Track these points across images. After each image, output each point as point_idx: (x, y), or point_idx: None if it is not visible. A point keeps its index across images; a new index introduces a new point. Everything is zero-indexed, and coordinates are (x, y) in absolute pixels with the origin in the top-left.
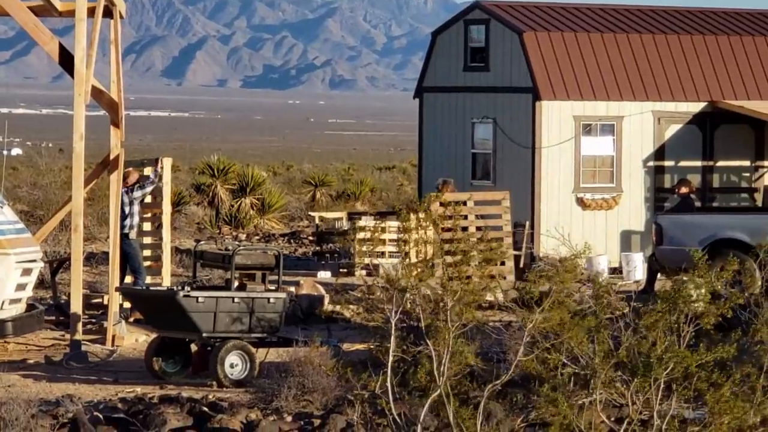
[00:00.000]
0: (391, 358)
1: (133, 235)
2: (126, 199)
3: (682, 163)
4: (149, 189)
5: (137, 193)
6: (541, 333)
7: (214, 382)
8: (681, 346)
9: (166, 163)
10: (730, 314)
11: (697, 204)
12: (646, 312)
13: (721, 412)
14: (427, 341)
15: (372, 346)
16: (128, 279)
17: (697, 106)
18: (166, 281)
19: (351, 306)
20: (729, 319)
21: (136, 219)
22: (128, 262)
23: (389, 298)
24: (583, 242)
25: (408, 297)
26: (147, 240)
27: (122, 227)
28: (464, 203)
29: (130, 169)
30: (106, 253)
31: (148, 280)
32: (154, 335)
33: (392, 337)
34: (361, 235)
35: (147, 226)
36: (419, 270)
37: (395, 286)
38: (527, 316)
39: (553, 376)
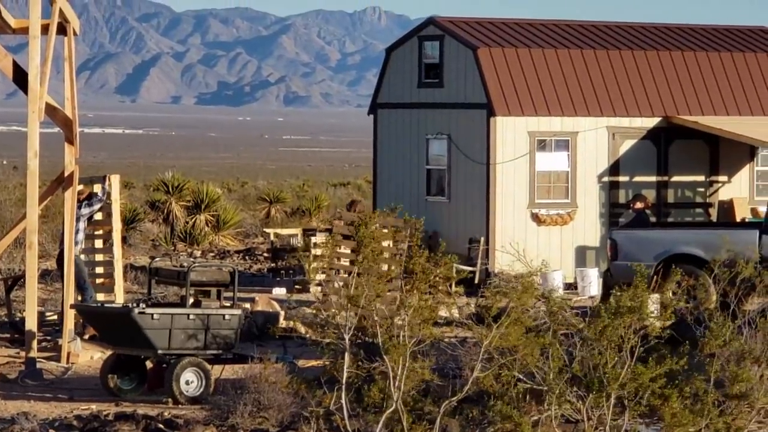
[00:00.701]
0: (345, 375)
1: (77, 251)
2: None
3: (637, 179)
4: (97, 207)
5: (84, 210)
6: (497, 349)
7: (170, 399)
8: (631, 361)
9: (114, 180)
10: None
11: (652, 219)
12: (592, 323)
13: (674, 425)
14: (384, 358)
15: (326, 363)
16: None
17: (651, 122)
18: (119, 298)
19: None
20: (682, 334)
21: (81, 236)
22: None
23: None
24: (539, 258)
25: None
26: (99, 257)
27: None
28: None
29: (81, 186)
30: (61, 270)
31: (101, 297)
32: (109, 352)
33: (346, 354)
34: (315, 251)
35: (99, 243)
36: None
37: (348, 303)
38: (484, 333)
39: (507, 392)
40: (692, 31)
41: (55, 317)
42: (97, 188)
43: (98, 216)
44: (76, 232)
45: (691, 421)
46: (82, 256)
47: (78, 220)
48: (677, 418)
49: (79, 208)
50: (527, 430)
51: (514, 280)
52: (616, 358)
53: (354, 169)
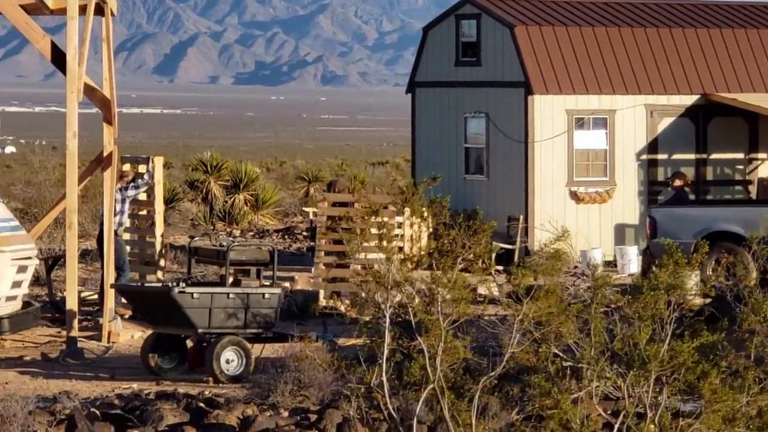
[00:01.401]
0: (385, 353)
1: (120, 232)
2: (119, 197)
3: (676, 156)
4: (143, 188)
5: (131, 192)
6: (535, 325)
7: (210, 378)
8: (668, 338)
9: (158, 162)
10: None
11: (691, 197)
12: (632, 300)
13: (714, 401)
14: (418, 337)
15: (366, 341)
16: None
17: (689, 99)
18: (160, 278)
19: (346, 301)
20: (722, 312)
21: (125, 217)
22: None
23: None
24: (578, 236)
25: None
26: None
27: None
28: (352, 204)
29: (128, 167)
30: (101, 250)
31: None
32: (149, 332)
33: (386, 332)
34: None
35: (141, 224)
36: (410, 265)
37: (386, 282)
38: (517, 308)
39: (546, 368)
40: (730, 8)
41: (96, 297)
42: (142, 170)
43: (141, 196)
44: (120, 213)
45: (731, 397)
46: (126, 236)
47: (123, 201)
48: (717, 394)
49: (126, 189)
50: (566, 407)
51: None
52: (651, 333)
53: (392, 148)
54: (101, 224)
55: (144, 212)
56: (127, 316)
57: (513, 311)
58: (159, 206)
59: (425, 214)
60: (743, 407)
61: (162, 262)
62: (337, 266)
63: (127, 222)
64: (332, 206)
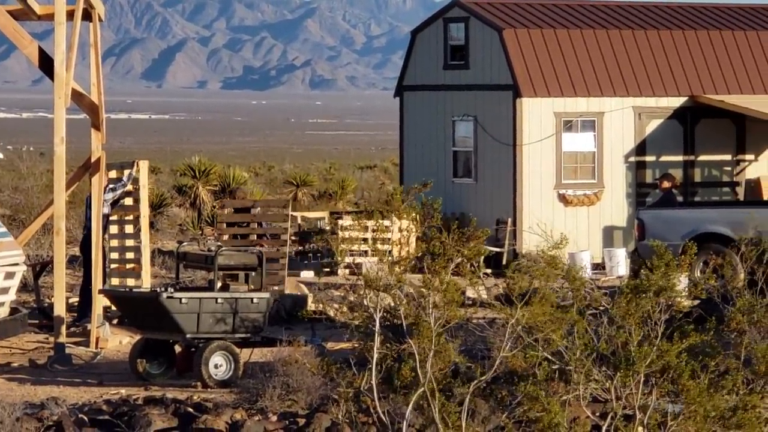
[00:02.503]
0: (375, 356)
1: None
2: None
3: (664, 158)
4: (120, 192)
5: (107, 196)
6: (525, 329)
7: (199, 383)
8: (658, 339)
9: (143, 166)
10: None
11: (679, 198)
12: (618, 301)
13: (696, 402)
14: (410, 340)
15: (356, 345)
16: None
17: (677, 101)
18: (147, 283)
19: (334, 305)
20: (710, 313)
21: (106, 221)
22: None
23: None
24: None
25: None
26: (128, 243)
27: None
28: (249, 209)
29: (114, 172)
30: (85, 256)
31: (130, 282)
32: (138, 337)
33: (376, 336)
34: (343, 234)
35: (128, 229)
36: (401, 268)
37: (376, 285)
38: (510, 312)
39: (535, 373)
40: (717, 9)
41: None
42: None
43: (127, 201)
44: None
45: (715, 397)
46: (114, 242)
47: (102, 205)
48: (699, 395)
49: (103, 193)
50: (556, 411)
51: (541, 259)
52: (641, 336)
53: (380, 151)
54: (85, 229)
55: (130, 217)
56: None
57: (506, 315)
58: (144, 210)
59: (416, 218)
60: (726, 408)
61: (147, 268)
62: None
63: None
64: (234, 212)
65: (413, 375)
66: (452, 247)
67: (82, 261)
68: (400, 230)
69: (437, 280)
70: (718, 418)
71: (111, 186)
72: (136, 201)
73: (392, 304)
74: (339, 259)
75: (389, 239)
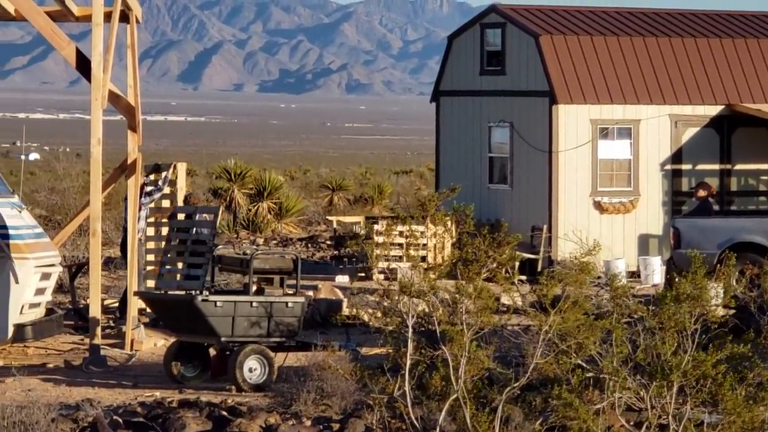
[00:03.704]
0: (408, 362)
1: (138, 238)
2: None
3: (700, 167)
4: (157, 195)
5: (145, 200)
6: (558, 335)
7: (233, 387)
8: (691, 349)
9: (180, 168)
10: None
11: (716, 207)
12: (654, 310)
13: (738, 414)
14: (443, 346)
15: (389, 350)
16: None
17: (714, 110)
18: None
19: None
20: (746, 323)
21: (143, 224)
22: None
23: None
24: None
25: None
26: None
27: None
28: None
29: (152, 175)
30: (124, 257)
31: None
32: (172, 339)
33: (409, 342)
34: (378, 239)
35: (164, 231)
36: (434, 275)
37: (409, 291)
38: (543, 318)
39: (569, 380)
40: (755, 17)
41: (117, 304)
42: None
43: (165, 203)
44: (140, 220)
45: (754, 409)
46: (150, 244)
47: (140, 208)
48: (740, 406)
49: (141, 196)
50: (588, 419)
51: (575, 265)
52: (676, 345)
53: (416, 156)
54: (124, 231)
55: (166, 219)
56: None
57: (539, 322)
58: None
59: (448, 224)
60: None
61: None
62: None
63: (144, 229)
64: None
65: (443, 383)
66: (484, 252)
67: (121, 262)
68: (435, 236)
69: (470, 287)
70: (755, 430)
71: (148, 190)
72: (173, 203)
73: (426, 310)
74: (372, 263)
75: (424, 245)
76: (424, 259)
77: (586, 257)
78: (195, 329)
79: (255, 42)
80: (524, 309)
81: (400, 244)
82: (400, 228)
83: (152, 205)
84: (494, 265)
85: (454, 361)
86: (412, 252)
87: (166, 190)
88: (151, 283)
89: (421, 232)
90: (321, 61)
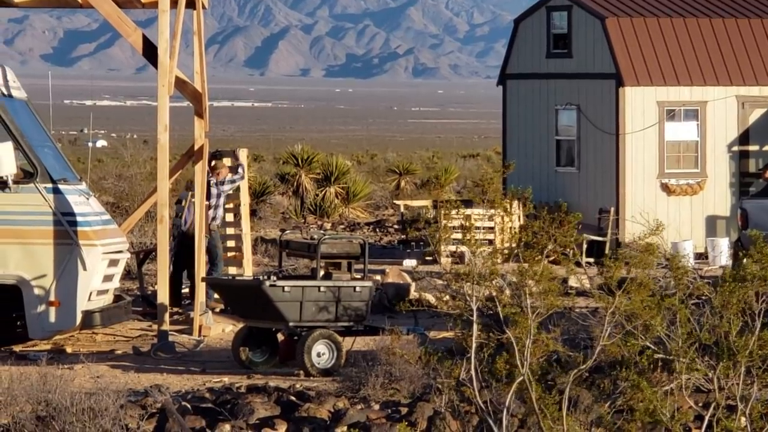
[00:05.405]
0: (474, 346)
1: (214, 226)
2: (214, 191)
3: (767, 148)
4: (239, 182)
5: (227, 187)
6: (626, 317)
7: (301, 372)
8: (757, 329)
9: (242, 154)
10: None
11: None
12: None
13: None
14: (506, 330)
15: (457, 334)
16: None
17: None
18: (248, 271)
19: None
20: None
21: (221, 212)
22: (208, 252)
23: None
24: (669, 228)
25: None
26: (230, 231)
27: (207, 219)
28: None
29: (221, 163)
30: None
31: (232, 271)
32: (240, 325)
33: (474, 325)
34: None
35: (229, 217)
36: (497, 259)
37: (471, 276)
38: (609, 300)
39: (637, 362)
40: None
41: (186, 290)
42: (227, 162)
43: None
44: (216, 207)
45: None
46: (230, 230)
47: (219, 196)
48: None
49: (222, 184)
50: (656, 400)
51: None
52: (740, 325)
53: (483, 140)
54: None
55: (231, 205)
56: (218, 310)
57: (605, 303)
58: (245, 198)
59: (513, 206)
60: None
61: (248, 256)
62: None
63: (221, 217)
64: None
65: (507, 367)
66: (545, 234)
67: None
68: (503, 219)
69: (533, 270)
70: None
71: (231, 178)
72: (237, 189)
73: (493, 294)
74: (434, 248)
75: (492, 228)
76: (490, 242)
77: (650, 237)
78: (263, 314)
79: (321, 27)
80: (590, 291)
81: (464, 227)
82: (458, 213)
83: (231, 192)
84: (551, 246)
85: (518, 344)
86: (470, 236)
87: (229, 176)
88: (232, 270)
89: (489, 216)
90: (387, 45)
